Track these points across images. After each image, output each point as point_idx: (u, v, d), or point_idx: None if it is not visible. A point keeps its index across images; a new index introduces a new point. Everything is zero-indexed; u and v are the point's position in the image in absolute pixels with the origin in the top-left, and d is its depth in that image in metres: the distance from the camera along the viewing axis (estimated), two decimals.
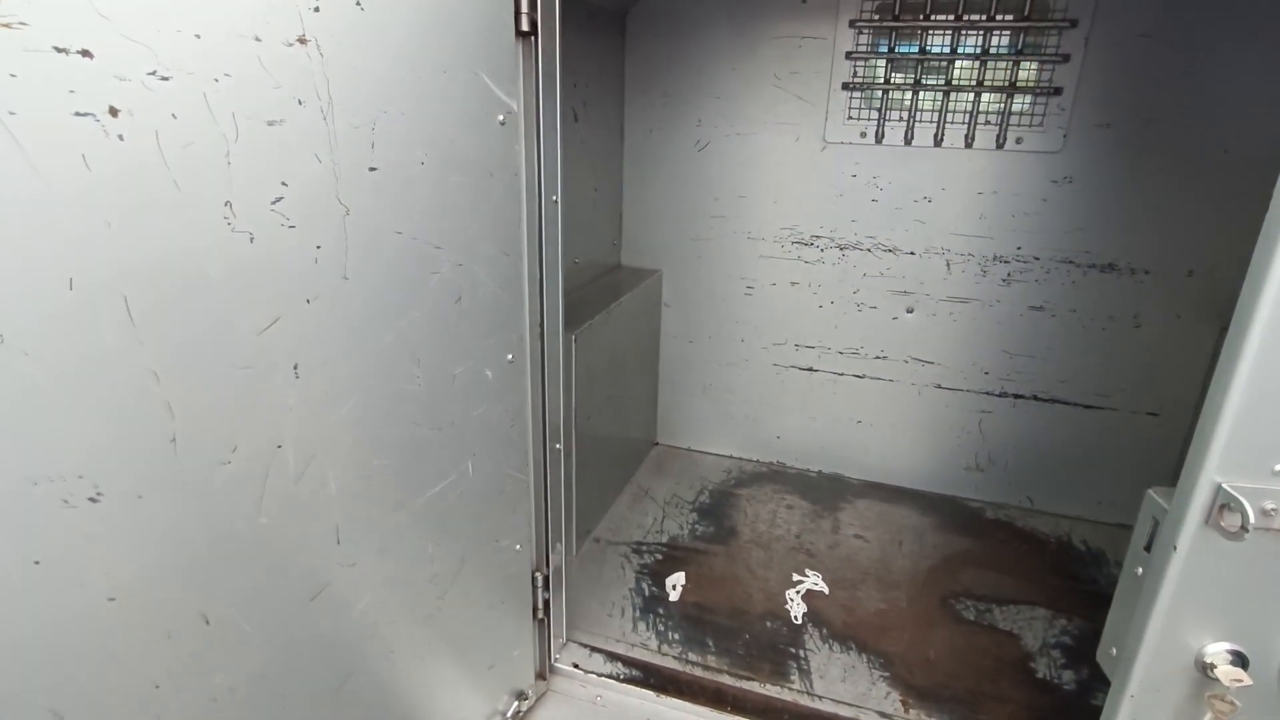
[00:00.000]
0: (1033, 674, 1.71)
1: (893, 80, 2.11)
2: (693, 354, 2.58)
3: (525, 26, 1.14)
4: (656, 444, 2.74)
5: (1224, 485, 0.95)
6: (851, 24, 2.09)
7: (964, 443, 2.40)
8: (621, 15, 2.25)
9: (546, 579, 1.57)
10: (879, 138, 2.16)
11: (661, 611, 1.87)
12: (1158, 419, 2.19)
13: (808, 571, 2.04)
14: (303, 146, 0.80)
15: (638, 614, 1.86)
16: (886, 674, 1.69)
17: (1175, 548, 1.00)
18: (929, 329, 2.30)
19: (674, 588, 1.96)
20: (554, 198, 1.30)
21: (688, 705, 1.61)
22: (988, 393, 2.32)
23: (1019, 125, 2.04)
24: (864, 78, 2.13)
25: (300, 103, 0.79)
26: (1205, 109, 1.89)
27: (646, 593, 1.94)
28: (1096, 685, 1.67)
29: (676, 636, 1.79)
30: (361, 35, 0.85)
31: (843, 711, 1.58)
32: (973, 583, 2.02)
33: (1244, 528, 0.91)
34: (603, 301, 2.11)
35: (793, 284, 2.39)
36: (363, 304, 0.92)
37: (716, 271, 2.45)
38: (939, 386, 2.36)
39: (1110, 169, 2.01)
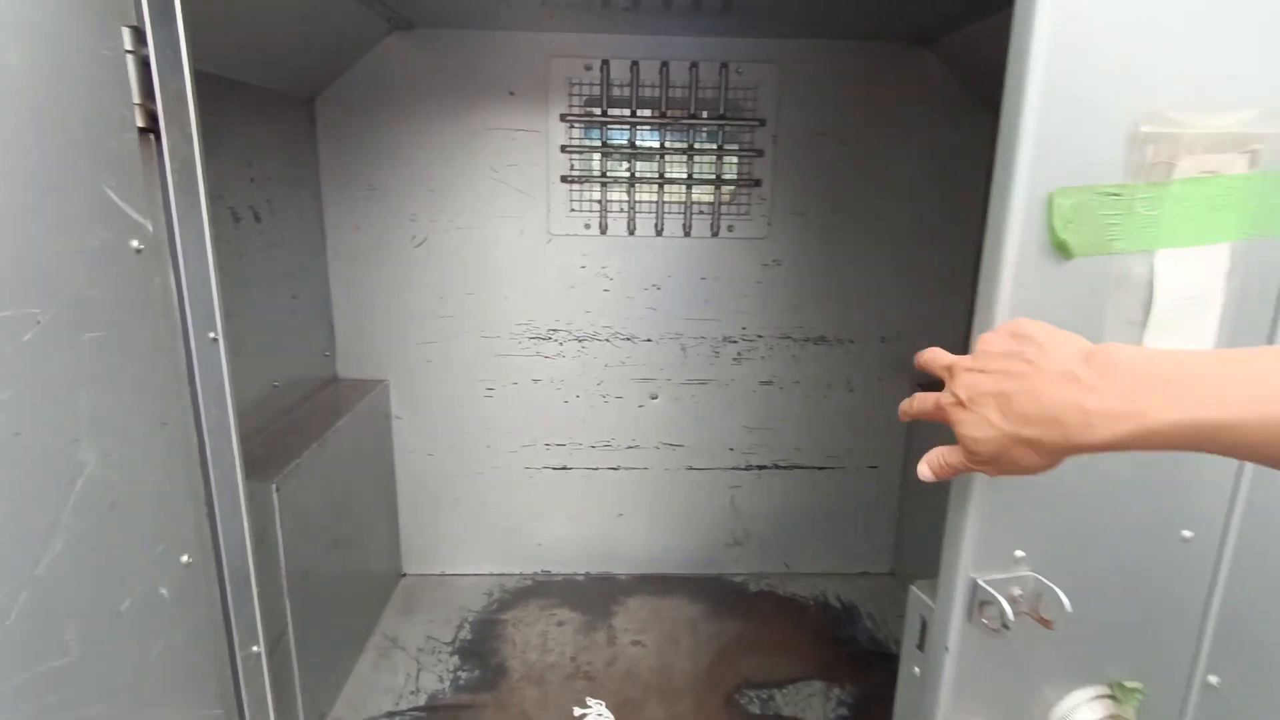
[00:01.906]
0: None
1: (609, 173, 2.10)
2: (435, 468, 2.29)
3: (142, 121, 0.86)
4: (404, 575, 2.37)
5: (979, 581, 0.96)
6: (562, 118, 2.05)
7: (720, 519, 2.41)
8: (308, 101, 1.98)
9: None
10: (603, 229, 2.14)
11: None
12: (877, 470, 2.39)
13: (589, 701, 1.85)
14: None
15: None
16: None
17: (947, 648, 0.99)
18: (674, 412, 2.30)
19: None
20: (212, 335, 1.00)
21: None
22: (735, 467, 2.36)
23: (729, 214, 2.15)
24: (581, 170, 2.10)
25: None
26: (877, 198, 2.14)
27: None
28: None
29: None
30: None
31: None
32: (751, 670, 1.98)
33: (1004, 625, 0.92)
34: (315, 429, 1.77)
35: (535, 381, 2.25)
36: None
37: (451, 375, 2.22)
38: (690, 468, 2.35)
39: (809, 252, 2.19)
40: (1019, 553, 0.97)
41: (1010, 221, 0.72)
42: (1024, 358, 0.61)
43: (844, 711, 1.84)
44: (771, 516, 2.41)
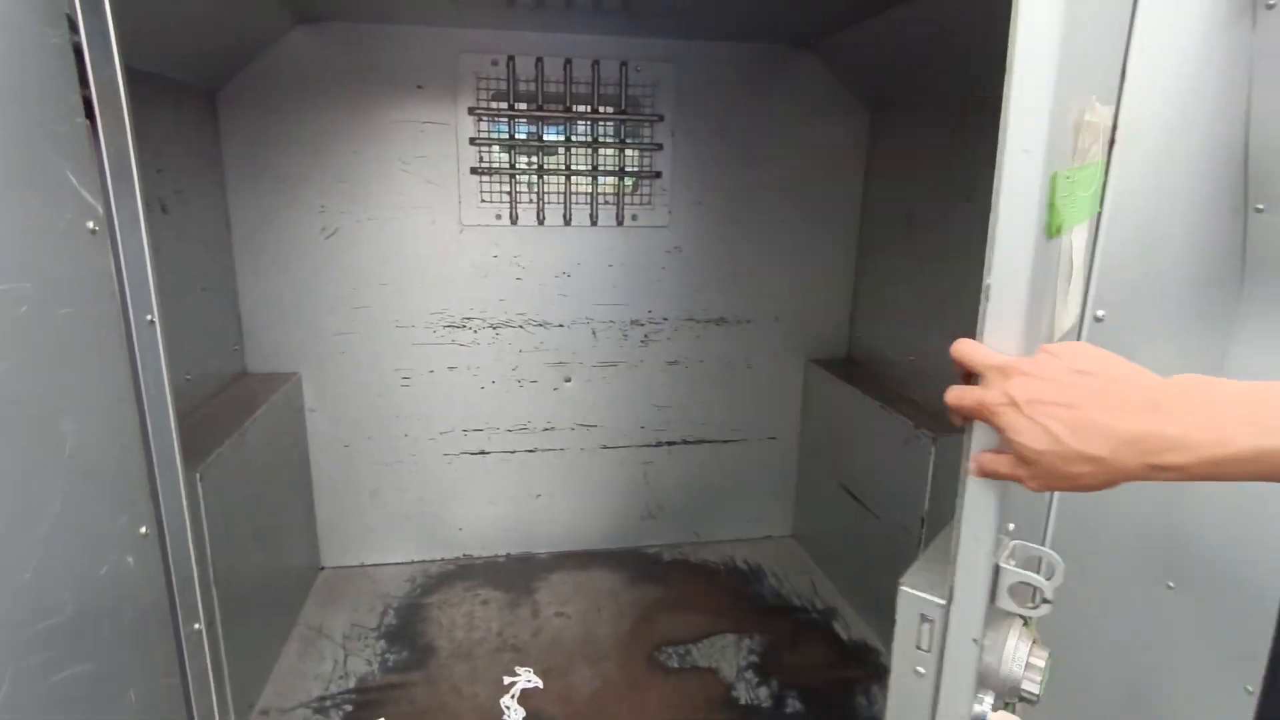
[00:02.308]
0: (736, 702, 1.85)
1: (518, 165, 2.19)
2: (352, 459, 2.30)
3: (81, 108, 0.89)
4: (323, 569, 2.37)
5: (1001, 565, 0.78)
6: (471, 111, 2.12)
7: (635, 494, 2.54)
8: (210, 94, 1.96)
9: None
10: (514, 219, 2.22)
11: None
12: (776, 441, 2.59)
13: (517, 670, 1.93)
14: None
15: None
16: None
17: (976, 640, 0.80)
18: (587, 394, 2.41)
19: None
20: (149, 317, 1.03)
21: None
22: (646, 444, 2.50)
23: (633, 204, 2.28)
24: (490, 163, 2.17)
25: None
26: (767, 188, 2.33)
27: None
28: (785, 694, 1.87)
29: None
30: None
31: None
32: (669, 630, 2.13)
33: (1045, 600, 0.78)
34: (231, 422, 1.76)
35: (451, 368, 2.30)
36: None
37: (367, 366, 2.24)
38: (605, 447, 2.47)
39: (707, 239, 2.35)
40: (1011, 525, 0.82)
41: (1024, 200, 0.64)
42: (1101, 376, 0.59)
43: (754, 658, 2.01)
44: (682, 489, 2.57)
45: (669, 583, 2.38)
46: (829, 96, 2.29)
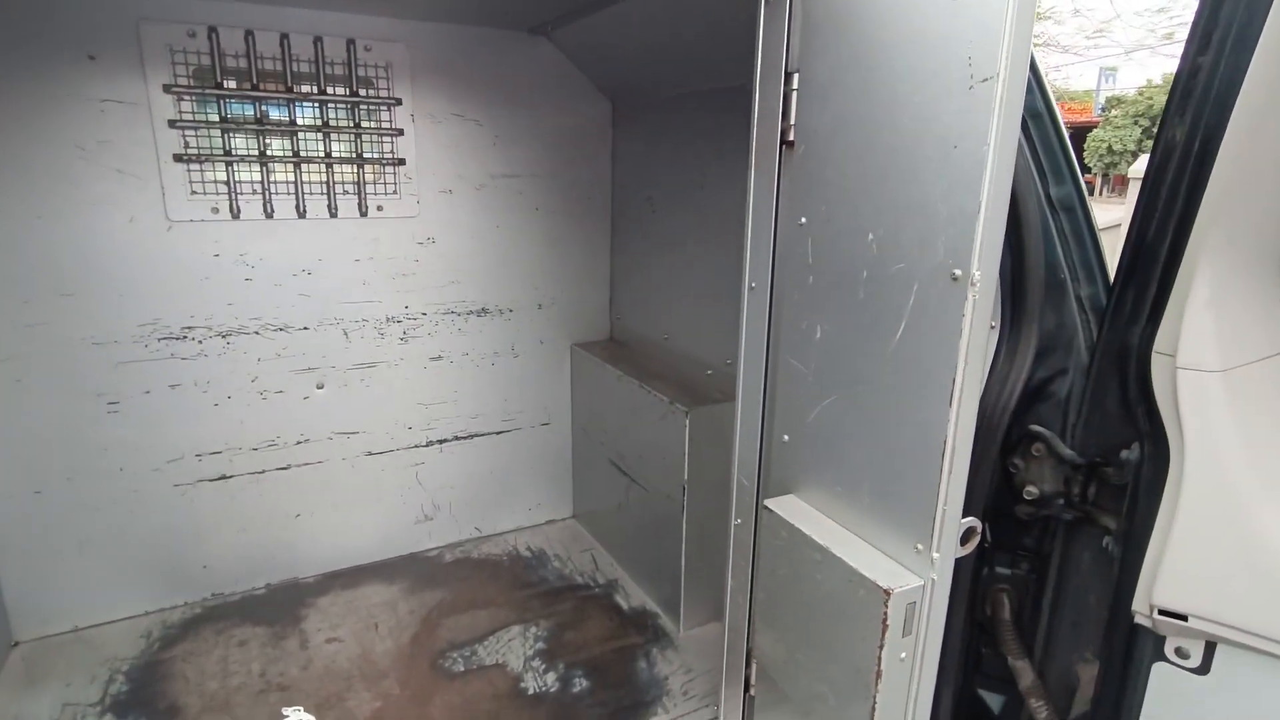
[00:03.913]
0: (525, 693, 1.85)
1: (235, 151, 1.94)
2: (45, 508, 1.92)
3: None
4: (17, 644, 1.96)
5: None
6: (167, 89, 1.83)
7: (408, 499, 2.43)
8: None
9: None
10: (235, 213, 1.97)
11: None
12: (549, 426, 2.62)
13: (285, 711, 1.76)
14: None
15: None
16: None
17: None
18: (344, 400, 2.24)
19: None
20: None
21: None
22: (416, 445, 2.39)
23: (377, 194, 2.13)
24: (200, 149, 1.90)
25: None
26: (517, 174, 2.31)
27: None
28: (571, 674, 1.92)
29: None
30: None
31: None
32: (453, 633, 2.07)
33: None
34: None
35: (173, 387, 2.00)
36: None
37: (54, 394, 1.87)
38: (369, 454, 2.32)
39: (461, 229, 2.28)
40: None
41: None
42: None
43: (541, 645, 2.03)
44: (459, 486, 2.50)
45: (451, 584, 2.31)
46: (570, 84, 2.31)
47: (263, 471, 2.17)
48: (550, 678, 1.90)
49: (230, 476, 2.13)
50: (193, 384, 2.02)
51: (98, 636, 2.01)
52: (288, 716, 1.75)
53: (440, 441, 2.42)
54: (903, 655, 1.09)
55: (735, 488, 1.54)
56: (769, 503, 1.30)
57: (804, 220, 1.23)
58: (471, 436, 2.47)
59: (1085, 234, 1.28)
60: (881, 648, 1.07)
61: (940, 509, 1.04)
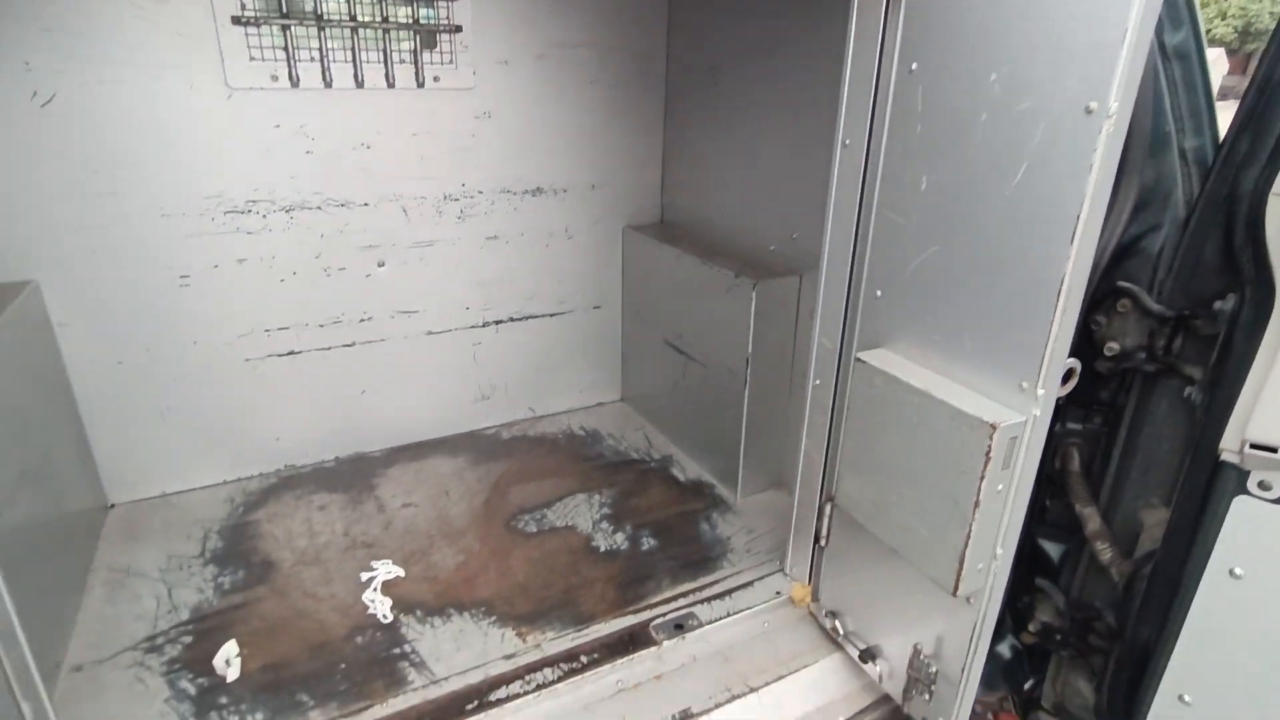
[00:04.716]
0: (597, 550, 1.96)
1: (291, 11, 1.87)
2: (129, 378, 1.97)
3: None
4: (112, 506, 2.06)
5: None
6: None
7: (467, 378, 2.48)
8: None
9: None
10: (294, 81, 1.92)
11: (225, 701, 1.48)
12: (601, 310, 2.65)
13: (374, 564, 1.87)
14: None
15: None
16: (493, 619, 1.71)
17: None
18: (404, 279, 2.25)
19: (228, 664, 1.56)
20: None
21: None
22: (473, 326, 2.43)
23: (434, 63, 2.08)
24: (257, 11, 1.83)
25: None
26: (571, 45, 2.23)
27: (193, 692, 1.50)
28: (639, 534, 2.02)
29: (258, 718, 1.45)
30: None
31: (472, 679, 1.54)
32: (522, 499, 2.17)
33: None
34: None
35: (240, 261, 2.01)
36: None
37: (129, 266, 1.88)
38: (429, 333, 2.36)
39: (518, 103, 2.23)
40: None
41: None
42: None
43: (606, 510, 2.13)
44: (514, 367, 2.55)
45: (512, 457, 2.40)
46: None
47: (329, 348, 2.21)
48: (619, 537, 2.01)
49: (298, 352, 2.17)
50: (258, 259, 2.03)
51: (185, 501, 2.11)
52: (376, 568, 1.86)
53: (496, 323, 2.45)
54: (999, 487, 1.15)
55: (815, 350, 1.58)
56: (863, 355, 1.34)
57: (915, 66, 1.21)
58: (526, 318, 2.50)
59: (1198, 83, 1.26)
60: (982, 479, 1.13)
61: (1049, 346, 1.08)
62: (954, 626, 1.31)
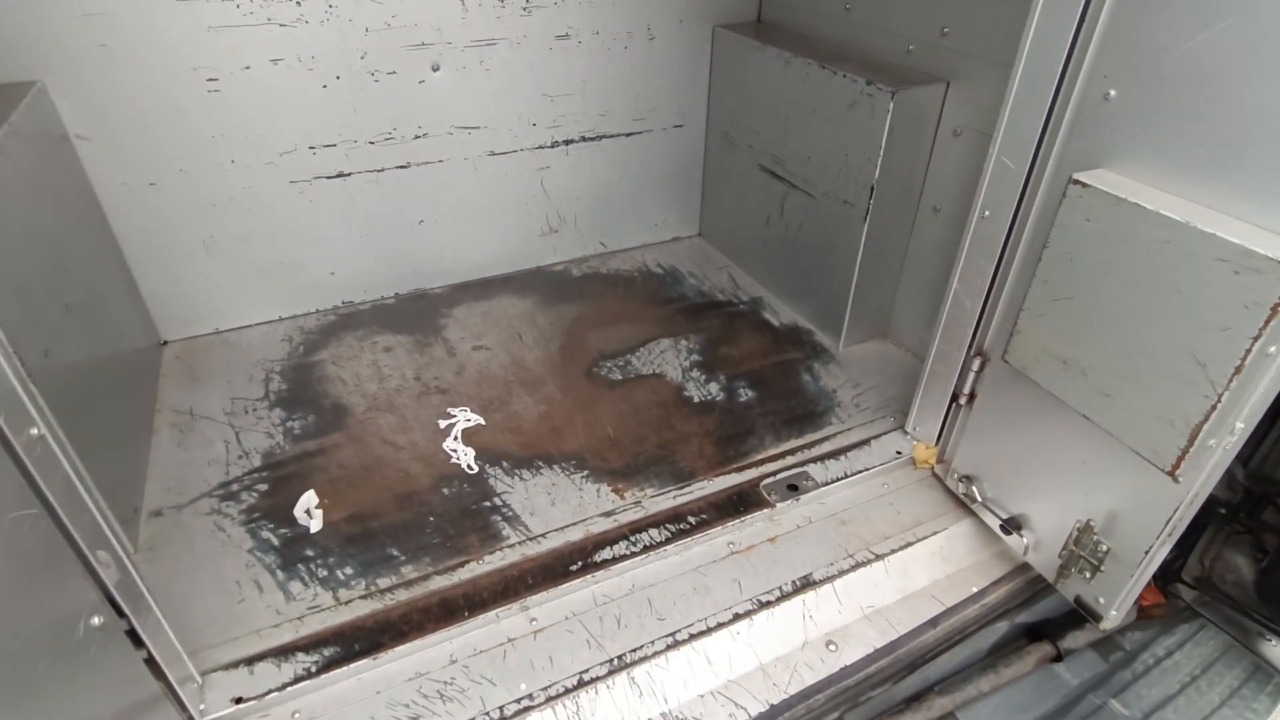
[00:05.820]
0: (690, 401, 1.79)
1: None
2: (165, 202, 1.74)
3: None
4: (166, 343, 1.92)
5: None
6: None
7: (532, 208, 2.21)
8: None
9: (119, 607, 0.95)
10: None
11: (310, 553, 1.39)
12: (683, 129, 2.30)
13: (451, 411, 1.73)
14: None
15: (281, 575, 1.34)
16: (586, 473, 1.57)
17: None
18: (463, 86, 1.92)
19: (308, 514, 1.46)
20: None
21: (416, 648, 1.23)
22: (540, 146, 2.12)
23: None
24: None
25: None
26: None
27: (276, 542, 1.41)
28: (735, 385, 1.83)
29: (349, 572, 1.35)
30: None
31: (572, 536, 1.42)
32: (601, 344, 1.98)
33: None
34: None
35: (274, 61, 1.70)
36: None
37: (147, 64, 1.59)
38: (492, 154, 2.06)
39: None
40: None
41: None
42: None
43: (696, 358, 1.94)
44: (583, 196, 2.26)
45: (586, 298, 2.18)
46: None
47: (381, 170, 1.94)
48: (714, 388, 1.83)
49: (348, 174, 1.91)
50: (296, 59, 1.72)
51: (240, 339, 1.96)
52: (455, 415, 1.72)
53: (566, 142, 2.14)
54: (1272, 349, 0.89)
55: (988, 174, 1.27)
56: (1082, 176, 1.04)
57: None
58: (599, 138, 2.18)
59: None
60: (1257, 340, 0.88)
61: None
62: (1146, 505, 1.12)
